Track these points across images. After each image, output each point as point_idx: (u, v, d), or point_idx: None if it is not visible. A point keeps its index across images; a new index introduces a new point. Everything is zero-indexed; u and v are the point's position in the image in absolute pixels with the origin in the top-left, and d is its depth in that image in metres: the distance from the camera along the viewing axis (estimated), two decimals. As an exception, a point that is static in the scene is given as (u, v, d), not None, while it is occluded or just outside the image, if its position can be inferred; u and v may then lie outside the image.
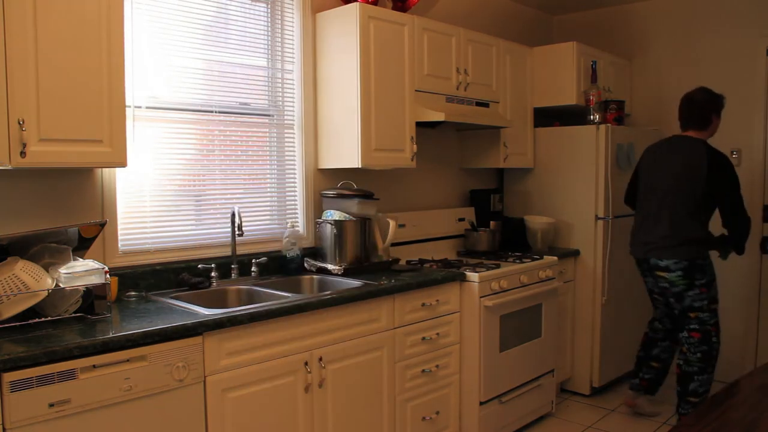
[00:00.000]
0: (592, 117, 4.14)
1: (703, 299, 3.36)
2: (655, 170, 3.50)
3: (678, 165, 3.39)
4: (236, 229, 2.72)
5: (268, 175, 3.18)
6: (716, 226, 3.47)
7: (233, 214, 2.89)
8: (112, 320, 2.13)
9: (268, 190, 3.18)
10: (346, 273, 3.03)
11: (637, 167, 3.68)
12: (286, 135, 3.24)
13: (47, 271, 2.11)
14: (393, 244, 3.55)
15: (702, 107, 3.40)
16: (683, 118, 3.48)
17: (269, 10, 3.16)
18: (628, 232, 4.22)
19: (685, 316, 3.43)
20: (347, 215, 3.15)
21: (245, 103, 3.07)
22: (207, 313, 2.24)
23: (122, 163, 2.26)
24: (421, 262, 3.48)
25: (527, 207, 4.33)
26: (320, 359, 2.50)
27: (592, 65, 4.26)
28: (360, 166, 3.11)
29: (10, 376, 1.70)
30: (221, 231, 2.96)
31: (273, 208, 3.20)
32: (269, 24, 3.16)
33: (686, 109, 3.45)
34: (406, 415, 2.90)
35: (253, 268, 2.96)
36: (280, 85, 3.21)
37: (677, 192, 3.37)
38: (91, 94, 2.15)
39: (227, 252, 2.94)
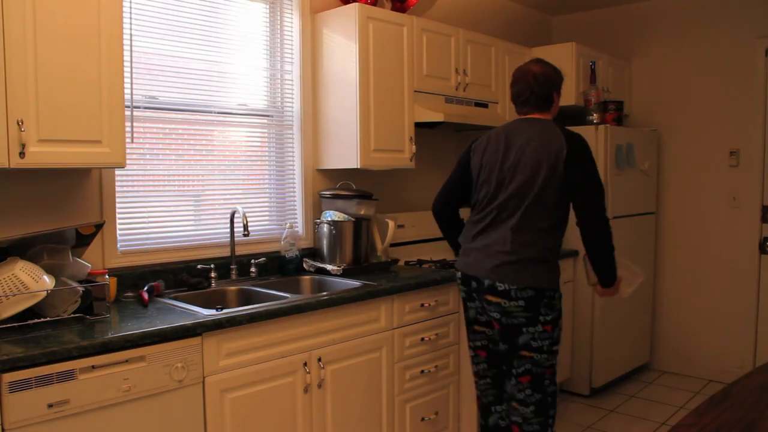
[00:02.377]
0: (591, 117, 4.14)
1: (544, 339, 2.49)
2: (494, 164, 2.55)
3: (527, 156, 2.48)
4: (243, 229, 2.70)
5: (267, 176, 3.18)
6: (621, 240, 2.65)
7: (233, 215, 2.89)
8: (111, 321, 2.13)
9: (267, 190, 3.18)
10: (345, 273, 3.03)
11: (465, 161, 2.69)
12: (285, 135, 3.24)
13: (46, 272, 2.10)
14: (392, 245, 3.55)
15: (544, 83, 2.58)
16: (519, 98, 2.62)
17: (269, 11, 3.16)
18: (628, 232, 4.24)
19: (514, 356, 2.54)
20: (346, 216, 3.15)
21: (244, 104, 3.07)
22: (206, 313, 2.24)
23: (121, 164, 2.26)
24: (420, 262, 3.48)
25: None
26: (319, 360, 2.50)
27: (591, 66, 4.27)
28: (359, 167, 3.11)
29: (9, 377, 1.70)
30: (220, 231, 2.95)
31: (272, 209, 3.20)
32: (269, 24, 3.16)
33: (523, 87, 2.59)
34: (405, 416, 2.90)
35: (252, 269, 2.96)
36: (279, 85, 3.21)
37: (527, 191, 2.46)
38: (89, 95, 2.15)
39: (226, 252, 2.94)
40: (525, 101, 2.61)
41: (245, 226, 2.70)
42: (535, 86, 2.56)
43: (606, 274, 2.57)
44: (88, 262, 2.32)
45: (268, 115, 3.17)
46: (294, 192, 3.29)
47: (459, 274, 2.66)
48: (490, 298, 2.50)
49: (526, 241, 2.46)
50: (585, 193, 2.46)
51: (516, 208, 2.48)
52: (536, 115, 2.61)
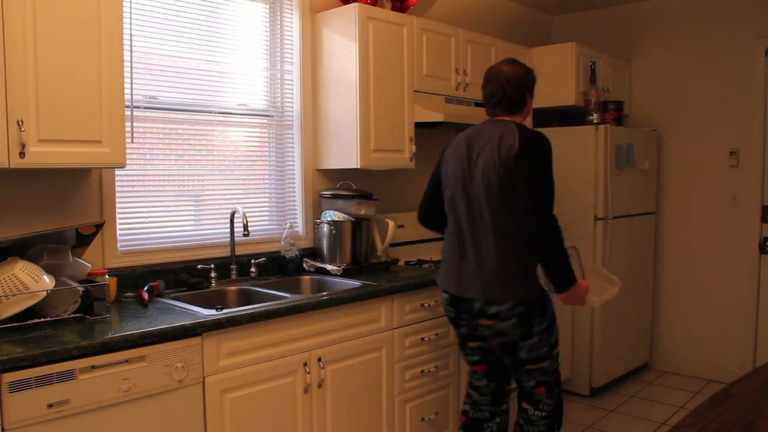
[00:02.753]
0: (591, 117, 4.14)
1: (542, 347, 2.43)
2: (457, 172, 2.47)
3: (481, 163, 2.40)
4: (243, 228, 2.70)
5: (267, 176, 3.18)
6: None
7: (233, 215, 2.89)
8: (111, 321, 2.13)
9: (267, 190, 3.18)
10: (345, 273, 3.03)
11: (437, 171, 2.62)
12: (285, 135, 3.24)
13: (46, 272, 2.10)
14: (392, 245, 3.55)
15: (516, 85, 2.48)
16: (491, 100, 2.53)
17: (269, 11, 3.16)
18: (628, 232, 4.24)
19: (521, 370, 2.51)
20: (346, 216, 3.15)
21: (244, 104, 3.07)
22: (206, 313, 2.24)
23: (121, 164, 2.26)
24: (420, 262, 3.47)
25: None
26: (319, 360, 2.50)
27: (591, 66, 4.27)
28: (359, 167, 3.11)
29: (9, 377, 1.70)
30: (220, 231, 2.95)
31: (272, 209, 3.20)
32: (269, 24, 3.15)
33: (496, 88, 2.51)
34: (405, 416, 2.90)
35: (252, 269, 2.96)
36: (279, 85, 3.21)
37: (499, 200, 2.35)
38: (89, 95, 2.15)
39: (226, 252, 2.94)
40: (497, 103, 2.51)
41: (245, 226, 2.69)
42: (508, 87, 2.47)
43: (556, 279, 2.36)
44: (88, 262, 2.32)
45: (268, 115, 3.17)
46: (294, 192, 3.29)
47: (446, 296, 2.55)
48: (482, 322, 2.42)
49: (503, 254, 2.36)
50: (530, 185, 2.29)
51: (487, 218, 2.38)
52: (505, 118, 2.50)
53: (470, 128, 2.55)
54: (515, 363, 2.49)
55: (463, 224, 2.46)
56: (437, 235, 3.88)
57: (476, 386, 2.65)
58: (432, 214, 2.68)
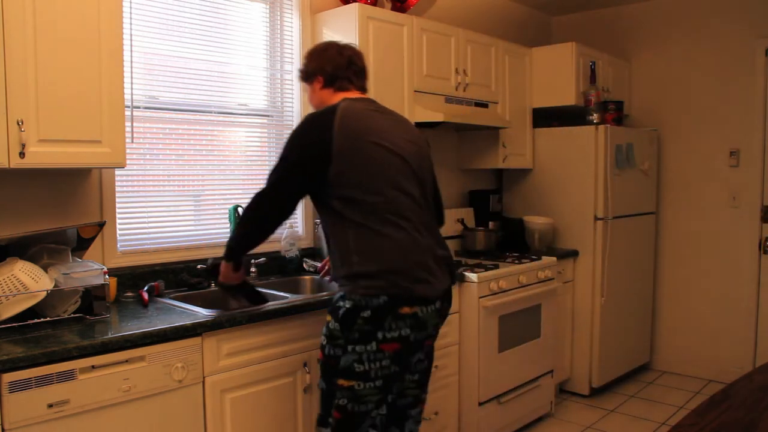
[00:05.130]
0: (591, 117, 4.14)
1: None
2: (389, 150, 2.06)
3: (414, 142, 2.18)
4: None
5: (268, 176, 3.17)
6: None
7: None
8: (111, 321, 2.13)
9: (267, 190, 3.18)
10: (346, 273, 3.02)
11: (336, 147, 2.01)
12: (285, 135, 3.23)
13: (46, 272, 2.10)
14: (392, 245, 3.55)
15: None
16: (355, 76, 2.25)
17: (268, 11, 3.16)
18: (628, 232, 4.24)
19: (423, 386, 2.24)
20: (346, 216, 3.15)
21: (244, 104, 3.07)
22: (206, 313, 2.23)
23: (121, 164, 2.25)
24: (421, 262, 3.47)
25: (526, 207, 4.33)
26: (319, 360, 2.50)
27: (591, 66, 4.26)
28: (359, 167, 3.11)
29: (9, 377, 1.70)
30: (220, 231, 2.95)
31: (272, 209, 3.20)
32: (268, 24, 3.15)
33: (358, 64, 2.28)
34: (406, 416, 2.90)
35: (252, 269, 2.96)
36: (279, 85, 3.21)
37: (427, 182, 2.20)
38: (89, 95, 2.15)
39: (226, 252, 2.94)
40: (359, 79, 2.26)
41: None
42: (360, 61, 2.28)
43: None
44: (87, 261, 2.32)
45: (268, 115, 3.17)
46: (294, 192, 3.28)
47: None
48: (439, 323, 2.14)
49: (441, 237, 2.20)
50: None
51: (429, 207, 2.21)
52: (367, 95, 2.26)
53: (366, 101, 2.20)
54: (427, 371, 2.26)
55: (413, 210, 2.13)
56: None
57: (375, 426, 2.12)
58: (292, 200, 2.21)
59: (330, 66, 2.22)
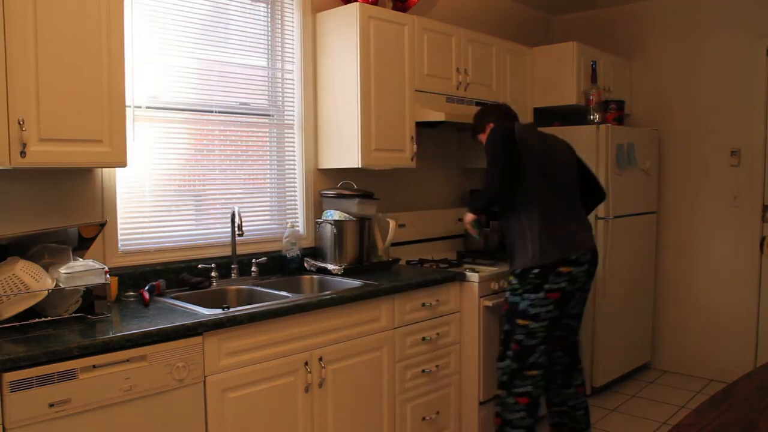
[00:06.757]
0: (592, 117, 4.14)
1: None
2: (549, 160, 2.91)
3: (569, 156, 3.04)
4: (237, 229, 2.72)
5: (268, 175, 3.18)
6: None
7: (233, 214, 2.89)
8: (112, 320, 2.13)
9: (268, 190, 3.18)
10: (346, 273, 3.03)
11: (529, 150, 2.84)
12: (285, 135, 3.24)
13: (47, 271, 2.10)
14: (393, 244, 3.55)
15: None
16: (511, 118, 3.08)
17: (269, 10, 3.16)
18: (629, 232, 4.23)
19: (578, 328, 3.09)
20: (347, 215, 3.15)
21: (245, 103, 3.07)
22: (207, 313, 2.24)
23: (122, 163, 2.26)
24: (421, 262, 3.48)
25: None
26: (320, 359, 2.50)
27: (592, 65, 4.26)
28: (360, 166, 3.11)
29: (10, 376, 1.70)
30: (221, 231, 2.95)
31: (273, 208, 3.20)
32: (269, 24, 3.16)
33: (509, 111, 3.12)
34: (406, 415, 2.90)
35: (253, 268, 2.96)
36: (280, 85, 3.21)
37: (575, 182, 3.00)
38: (91, 94, 2.15)
39: (227, 252, 2.94)
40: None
41: (239, 226, 2.70)
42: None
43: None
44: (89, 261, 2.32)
45: (268, 115, 3.17)
46: (295, 191, 3.29)
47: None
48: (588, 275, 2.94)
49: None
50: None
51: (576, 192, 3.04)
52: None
53: (533, 125, 3.04)
54: (580, 314, 3.07)
55: (568, 194, 3.00)
56: (438, 235, 3.90)
57: (556, 350, 3.07)
58: (514, 181, 2.94)
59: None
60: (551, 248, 2.76)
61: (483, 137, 3.05)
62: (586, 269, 2.85)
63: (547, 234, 2.77)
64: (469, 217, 2.97)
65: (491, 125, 2.96)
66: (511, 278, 2.86)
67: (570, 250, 2.78)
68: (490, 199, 2.85)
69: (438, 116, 3.29)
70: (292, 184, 3.28)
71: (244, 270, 2.97)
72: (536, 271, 2.75)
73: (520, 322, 2.80)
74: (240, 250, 2.98)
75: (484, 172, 2.95)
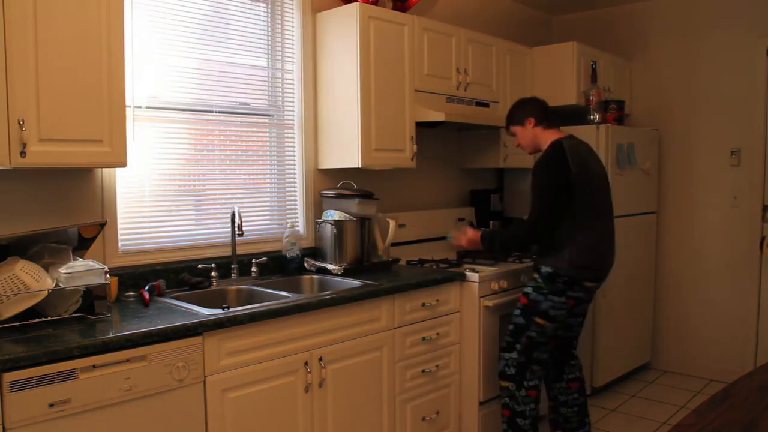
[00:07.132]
0: (592, 117, 4.14)
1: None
2: (594, 174, 2.97)
3: (603, 169, 3.05)
4: (237, 229, 2.72)
5: (268, 175, 3.18)
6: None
7: (233, 214, 2.89)
8: (112, 320, 2.13)
9: (268, 190, 3.18)
10: (346, 273, 3.03)
11: (575, 172, 2.87)
12: (285, 135, 3.24)
13: (47, 271, 2.10)
14: (393, 244, 3.55)
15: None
16: (551, 118, 3.09)
17: (269, 10, 3.16)
18: (629, 232, 4.23)
19: (572, 349, 3.18)
20: (347, 215, 3.15)
21: (245, 103, 3.07)
22: (207, 313, 2.24)
23: (122, 163, 2.26)
24: (421, 262, 3.48)
25: (527, 207, 4.31)
26: (320, 359, 2.50)
27: (592, 65, 4.26)
28: (360, 166, 3.11)
29: (10, 376, 1.70)
30: (221, 231, 2.95)
31: (273, 208, 3.20)
32: (269, 24, 3.15)
33: (547, 108, 3.11)
34: (406, 415, 2.90)
35: (253, 268, 2.96)
36: (280, 85, 3.21)
37: (610, 198, 3.05)
38: (91, 94, 2.15)
39: (227, 252, 2.94)
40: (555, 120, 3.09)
41: (239, 226, 2.70)
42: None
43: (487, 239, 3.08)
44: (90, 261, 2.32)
45: (268, 115, 3.17)
46: (295, 191, 3.29)
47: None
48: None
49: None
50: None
51: (612, 216, 3.11)
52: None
53: (572, 137, 3.01)
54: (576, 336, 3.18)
55: (607, 218, 3.06)
56: (438, 235, 3.90)
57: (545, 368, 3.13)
58: (561, 208, 3.02)
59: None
60: (586, 263, 2.87)
61: (517, 129, 3.08)
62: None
63: (586, 251, 2.86)
64: (474, 240, 3.09)
65: (531, 120, 3.02)
66: (537, 276, 2.93)
67: (600, 270, 2.94)
68: (532, 238, 2.99)
69: (438, 116, 3.29)
70: (292, 184, 3.28)
71: (244, 270, 2.97)
72: (566, 278, 2.85)
73: (538, 320, 2.89)
74: (240, 250, 2.98)
75: (530, 195, 2.93)
